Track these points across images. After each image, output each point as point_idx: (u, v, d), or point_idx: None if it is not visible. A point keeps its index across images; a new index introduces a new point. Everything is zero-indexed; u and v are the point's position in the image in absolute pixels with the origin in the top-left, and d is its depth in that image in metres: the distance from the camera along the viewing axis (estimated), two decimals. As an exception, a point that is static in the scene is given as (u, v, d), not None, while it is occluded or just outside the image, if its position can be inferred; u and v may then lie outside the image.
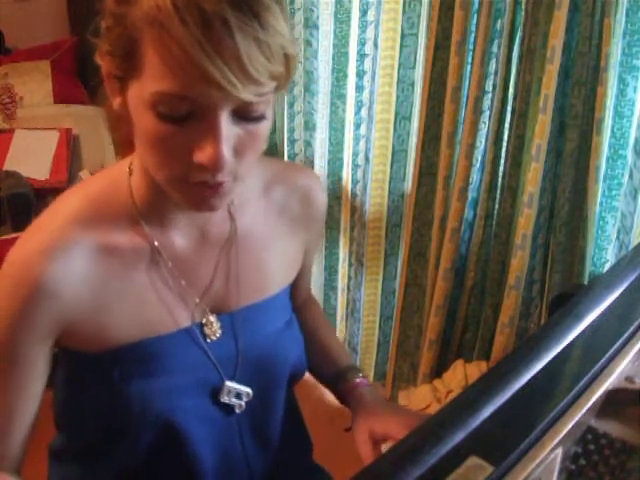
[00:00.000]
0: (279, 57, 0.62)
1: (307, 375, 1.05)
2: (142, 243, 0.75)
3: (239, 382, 0.81)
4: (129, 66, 0.63)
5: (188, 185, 0.66)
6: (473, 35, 1.56)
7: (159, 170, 0.67)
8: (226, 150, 0.63)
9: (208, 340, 0.80)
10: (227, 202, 0.70)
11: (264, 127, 0.67)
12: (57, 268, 0.70)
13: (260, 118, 0.66)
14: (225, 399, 0.81)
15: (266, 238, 0.85)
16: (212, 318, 0.80)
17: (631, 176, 1.38)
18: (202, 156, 0.63)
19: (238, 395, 0.82)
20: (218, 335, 0.80)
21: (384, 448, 0.84)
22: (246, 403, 0.83)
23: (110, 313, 0.74)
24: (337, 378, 0.95)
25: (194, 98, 0.61)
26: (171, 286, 0.77)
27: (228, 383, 0.80)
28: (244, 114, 0.64)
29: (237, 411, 0.82)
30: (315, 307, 1.07)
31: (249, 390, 0.82)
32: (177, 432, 0.77)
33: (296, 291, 0.95)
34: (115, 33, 0.63)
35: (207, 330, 0.80)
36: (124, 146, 0.80)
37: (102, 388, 0.75)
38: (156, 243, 0.76)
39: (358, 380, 0.93)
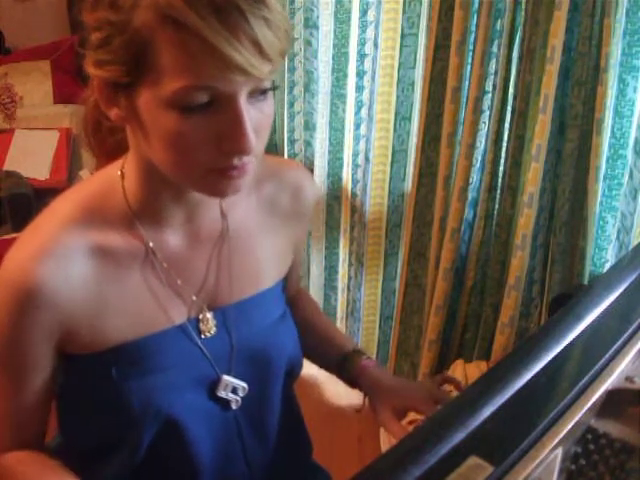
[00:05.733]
0: (284, 34, 0.64)
1: (307, 374, 1.05)
2: (137, 244, 0.76)
3: (235, 377, 0.82)
4: (139, 72, 0.64)
5: (213, 173, 0.68)
6: (473, 35, 1.56)
7: (182, 167, 0.68)
8: (251, 133, 0.65)
9: (203, 336, 0.80)
10: (247, 183, 0.71)
11: (271, 103, 0.70)
12: (52, 273, 0.70)
13: (268, 90, 0.68)
14: (222, 393, 0.81)
15: (257, 233, 0.86)
16: (208, 315, 0.81)
17: (631, 176, 1.38)
18: (231, 143, 0.65)
19: (234, 390, 0.82)
20: (213, 332, 0.81)
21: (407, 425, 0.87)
22: (243, 398, 0.83)
23: (106, 314, 0.75)
24: (343, 363, 0.96)
25: (216, 87, 0.62)
26: (166, 285, 0.78)
27: (225, 377, 0.81)
28: (255, 93, 0.66)
29: (233, 407, 0.83)
30: (307, 298, 1.08)
31: (245, 385, 0.83)
32: (177, 427, 0.78)
33: (287, 284, 0.96)
34: (118, 41, 0.63)
35: (202, 326, 0.81)
36: (107, 157, 0.81)
37: (102, 388, 0.76)
38: (151, 243, 0.77)
39: (365, 362, 0.95)
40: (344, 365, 0.96)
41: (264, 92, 0.67)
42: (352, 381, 0.96)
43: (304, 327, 0.96)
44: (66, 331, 0.74)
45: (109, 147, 0.82)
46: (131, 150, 0.75)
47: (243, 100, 0.64)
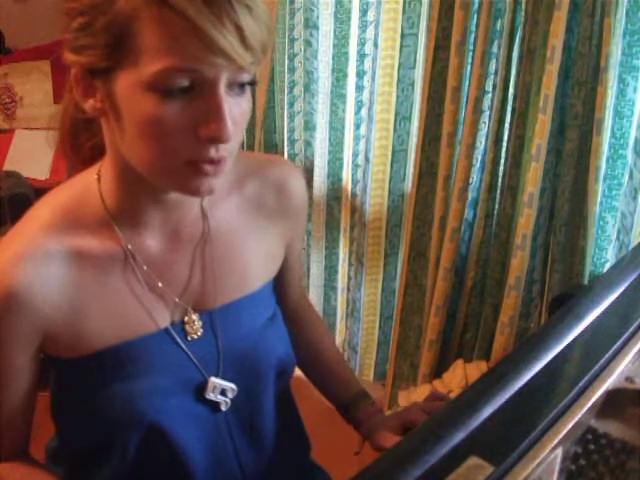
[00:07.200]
0: (265, 27, 0.64)
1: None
2: (115, 247, 0.75)
3: (223, 379, 0.81)
4: (119, 55, 0.63)
5: (188, 167, 0.67)
6: (473, 35, 1.56)
7: (157, 158, 0.67)
8: (229, 120, 0.65)
9: (189, 338, 0.80)
10: (221, 184, 0.71)
11: (249, 100, 0.69)
12: (30, 277, 0.70)
13: (246, 85, 0.67)
14: (210, 396, 0.81)
15: (241, 234, 0.84)
16: (194, 316, 0.80)
17: (631, 176, 1.38)
18: (209, 129, 0.64)
19: (223, 392, 0.82)
20: (199, 334, 0.80)
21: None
22: (232, 400, 0.83)
23: (87, 318, 0.74)
24: (347, 406, 0.99)
25: (198, 70, 0.62)
26: (147, 288, 0.77)
27: (213, 379, 0.80)
28: (234, 85, 0.66)
29: (223, 409, 0.82)
30: (315, 318, 1.07)
31: (233, 386, 0.82)
32: (164, 432, 0.77)
33: (287, 291, 0.95)
34: (100, 23, 0.63)
35: (188, 328, 0.80)
36: (83, 163, 0.81)
37: (86, 393, 0.76)
38: (129, 246, 0.76)
39: (369, 409, 0.97)
40: (348, 408, 0.98)
41: (243, 86, 0.67)
42: (352, 422, 0.98)
43: (310, 351, 0.98)
44: (45, 335, 0.74)
45: (85, 153, 0.81)
46: (107, 151, 0.74)
47: (223, 87, 0.64)
